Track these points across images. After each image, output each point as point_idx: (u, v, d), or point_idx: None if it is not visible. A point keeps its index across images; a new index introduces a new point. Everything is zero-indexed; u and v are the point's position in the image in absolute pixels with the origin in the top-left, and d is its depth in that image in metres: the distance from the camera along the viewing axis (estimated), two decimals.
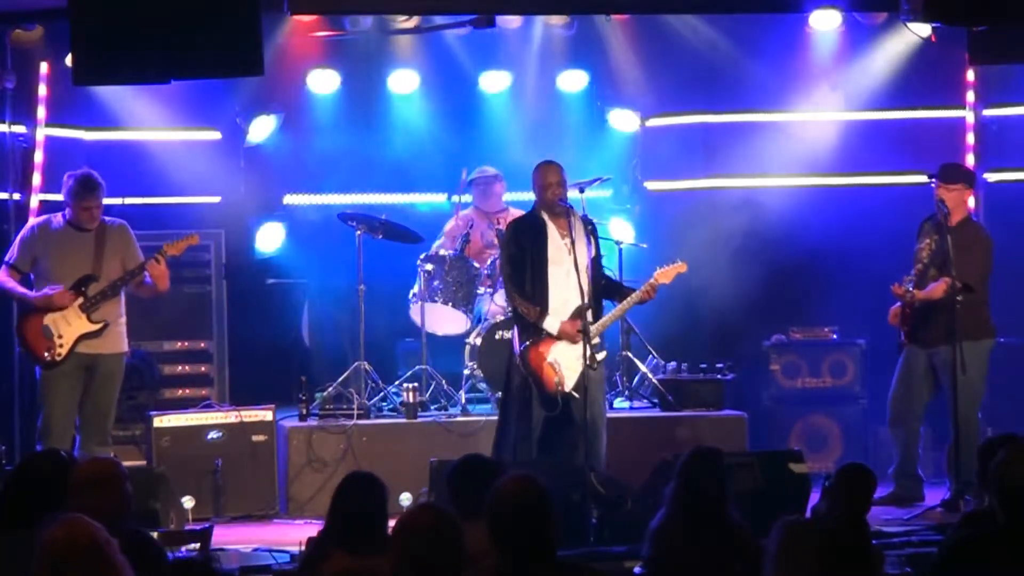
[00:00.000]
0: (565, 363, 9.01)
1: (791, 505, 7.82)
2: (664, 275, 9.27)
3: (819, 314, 11.45)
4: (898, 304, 9.76)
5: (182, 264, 10.26)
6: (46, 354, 9.12)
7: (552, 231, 9.08)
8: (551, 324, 9.00)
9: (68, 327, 9.15)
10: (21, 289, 9.24)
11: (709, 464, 6.29)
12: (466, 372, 10.58)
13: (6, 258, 9.33)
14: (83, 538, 4.55)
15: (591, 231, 9.22)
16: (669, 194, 12.22)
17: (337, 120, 11.85)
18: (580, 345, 8.86)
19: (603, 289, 9.23)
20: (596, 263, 9.20)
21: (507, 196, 11.34)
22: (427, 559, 4.63)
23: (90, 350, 9.19)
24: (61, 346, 9.12)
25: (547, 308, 9.02)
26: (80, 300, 9.16)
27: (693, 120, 12.10)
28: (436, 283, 10.65)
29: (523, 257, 9.08)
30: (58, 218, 9.33)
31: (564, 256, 9.03)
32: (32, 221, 9.46)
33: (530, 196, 9.39)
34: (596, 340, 8.98)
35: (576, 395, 8.96)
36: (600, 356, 9.04)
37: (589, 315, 8.89)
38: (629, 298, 9.15)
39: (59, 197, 10.69)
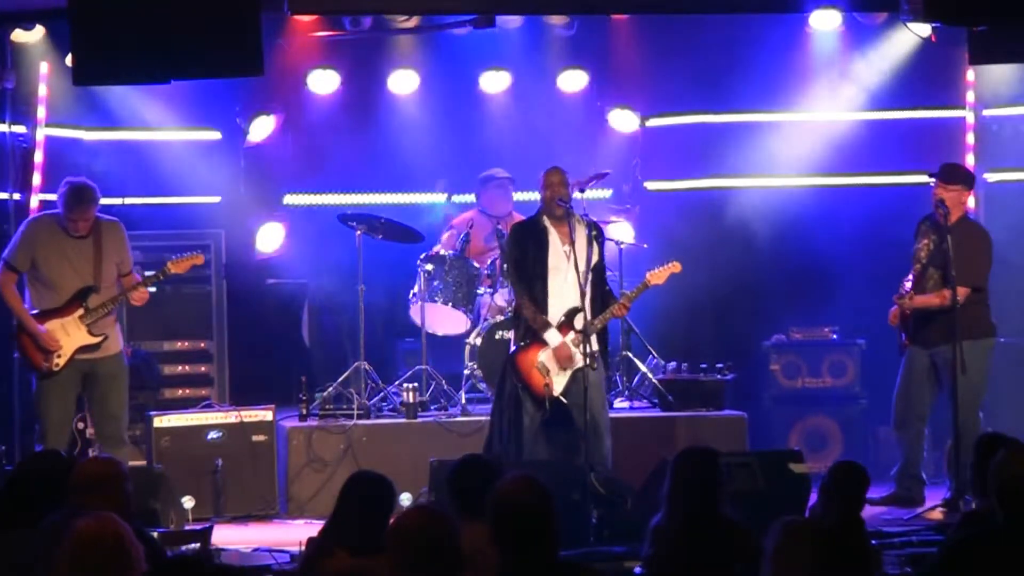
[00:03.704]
0: (554, 368, 9.01)
1: (791, 505, 7.81)
2: (656, 276, 9.34)
3: (819, 314, 11.45)
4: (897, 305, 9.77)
5: None
6: (44, 364, 9.09)
7: (553, 237, 9.07)
8: (552, 337, 8.99)
9: (67, 338, 9.09)
10: (23, 308, 9.13)
11: (700, 463, 6.28)
12: (466, 372, 10.58)
13: (4, 254, 9.27)
14: (109, 535, 4.59)
15: (596, 236, 9.19)
16: (669, 194, 12.21)
17: (337, 120, 11.84)
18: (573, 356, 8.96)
19: (599, 297, 9.16)
20: (598, 269, 9.17)
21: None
22: (421, 561, 4.64)
23: (88, 355, 9.17)
24: (59, 356, 9.07)
25: (546, 314, 9.01)
26: (80, 312, 9.11)
27: (693, 120, 12.10)
28: (436, 283, 10.65)
29: (526, 260, 9.07)
30: (56, 221, 9.20)
31: (564, 264, 9.03)
32: (30, 219, 9.35)
33: (528, 197, 9.40)
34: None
35: (565, 400, 8.97)
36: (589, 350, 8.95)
37: (586, 317, 8.88)
38: (618, 303, 9.11)
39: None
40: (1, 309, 10.33)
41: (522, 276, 9.09)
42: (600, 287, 9.15)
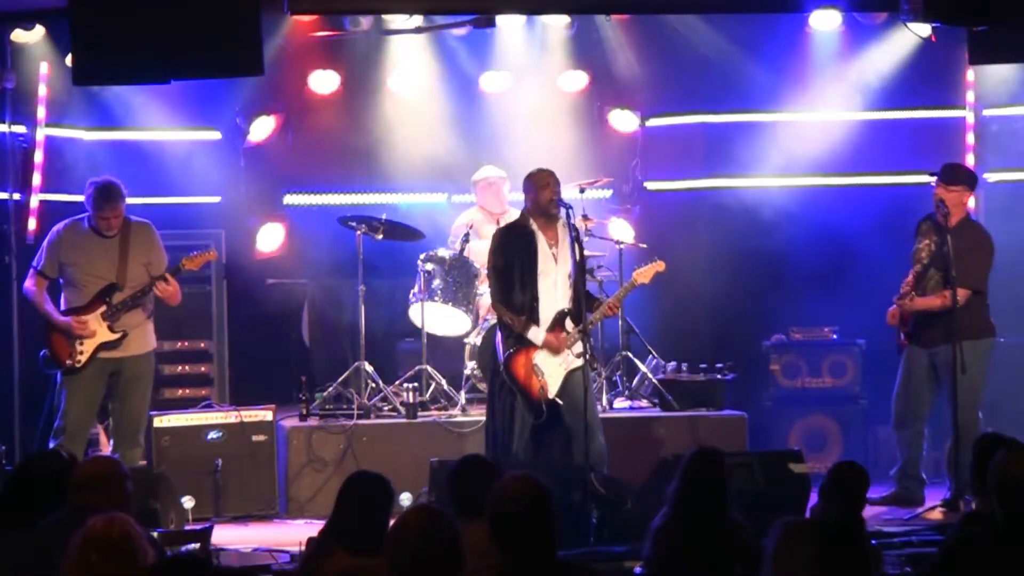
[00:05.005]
0: (548, 370, 8.99)
1: (791, 505, 7.83)
2: (642, 275, 9.34)
3: (819, 314, 11.44)
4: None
5: None
6: (68, 360, 9.16)
7: (540, 240, 9.04)
8: (536, 335, 8.97)
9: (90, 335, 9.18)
10: (48, 307, 9.23)
11: (711, 464, 6.28)
12: (466, 372, 10.58)
13: (34, 263, 9.34)
14: (118, 535, 4.62)
15: (576, 237, 9.15)
16: (669, 194, 12.22)
17: (337, 120, 11.85)
18: (563, 352, 8.94)
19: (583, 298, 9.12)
20: (579, 269, 9.14)
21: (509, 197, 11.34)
22: (421, 561, 4.63)
23: (113, 355, 9.22)
24: (81, 353, 9.15)
25: (538, 320, 8.99)
26: (103, 309, 9.17)
27: (693, 120, 12.11)
28: (436, 283, 10.64)
29: (510, 268, 9.03)
30: (84, 222, 9.28)
31: (551, 267, 9.01)
32: (58, 225, 9.38)
33: None
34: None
35: (560, 401, 8.96)
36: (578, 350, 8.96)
37: (585, 316, 8.86)
38: (608, 302, 9.12)
39: (58, 197, 10.74)
40: (3, 308, 10.40)
41: (502, 283, 9.04)
42: (580, 287, 9.12)
